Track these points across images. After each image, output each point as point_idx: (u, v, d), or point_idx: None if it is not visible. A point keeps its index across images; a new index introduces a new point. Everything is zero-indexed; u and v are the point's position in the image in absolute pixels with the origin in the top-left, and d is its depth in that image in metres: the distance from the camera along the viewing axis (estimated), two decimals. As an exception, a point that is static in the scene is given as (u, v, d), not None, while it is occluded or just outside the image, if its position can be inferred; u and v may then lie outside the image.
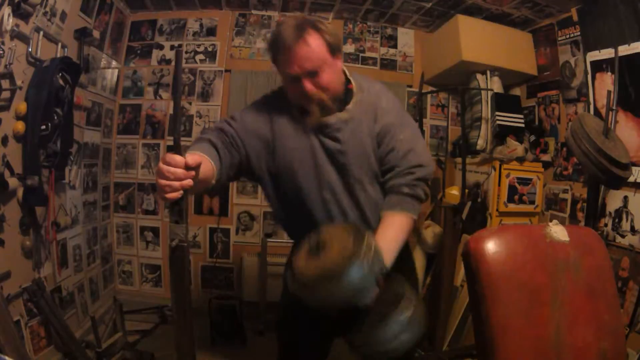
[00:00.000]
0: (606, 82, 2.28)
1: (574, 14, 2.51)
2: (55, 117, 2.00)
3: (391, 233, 1.19)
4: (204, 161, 0.99)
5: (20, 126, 1.87)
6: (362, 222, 1.27)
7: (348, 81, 1.29)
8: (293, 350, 1.43)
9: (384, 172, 1.28)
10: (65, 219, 2.35)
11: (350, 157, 1.25)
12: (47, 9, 2.05)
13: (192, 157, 0.89)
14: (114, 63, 3.02)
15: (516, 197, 2.74)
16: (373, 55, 3.35)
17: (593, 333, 1.06)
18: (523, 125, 2.86)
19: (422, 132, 3.19)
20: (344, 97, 1.27)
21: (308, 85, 1.16)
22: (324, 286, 0.98)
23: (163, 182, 0.87)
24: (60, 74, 2.03)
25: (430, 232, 2.93)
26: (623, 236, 2.13)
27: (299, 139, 1.25)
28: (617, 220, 2.17)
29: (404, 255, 1.27)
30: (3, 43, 1.76)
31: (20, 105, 1.87)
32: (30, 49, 1.94)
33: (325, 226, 1.17)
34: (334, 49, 1.19)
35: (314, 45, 1.14)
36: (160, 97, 3.17)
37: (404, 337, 1.04)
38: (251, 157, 1.25)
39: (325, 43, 1.16)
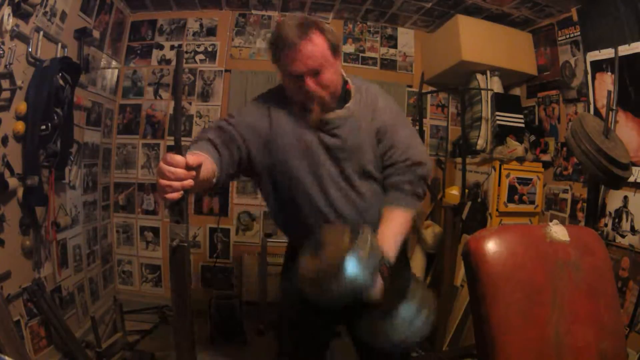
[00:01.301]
0: (606, 82, 2.28)
1: (574, 14, 2.51)
2: (55, 117, 2.00)
3: (393, 228, 1.22)
4: (204, 161, 1.00)
5: (20, 126, 1.87)
6: (356, 213, 1.28)
7: (346, 82, 1.31)
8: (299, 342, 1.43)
9: (384, 167, 1.31)
10: (65, 219, 2.35)
11: (348, 152, 1.26)
12: (47, 9, 2.05)
13: (192, 157, 0.89)
14: (114, 63, 3.02)
15: (516, 197, 2.74)
16: (373, 55, 3.36)
17: (593, 333, 1.06)
18: (523, 125, 2.86)
19: (422, 132, 3.19)
20: (343, 96, 1.28)
21: (311, 84, 1.17)
22: (325, 283, 1.00)
23: (164, 182, 0.87)
24: (60, 74, 2.03)
25: (430, 232, 2.94)
26: (623, 236, 2.13)
27: (297, 135, 1.26)
28: (617, 220, 2.17)
29: (401, 251, 1.29)
30: (3, 43, 1.76)
31: (20, 105, 1.87)
32: (30, 49, 1.94)
33: (325, 227, 1.19)
34: (335, 49, 1.20)
35: (319, 44, 1.16)
36: (160, 97, 3.17)
37: (416, 324, 1.09)
38: (251, 152, 1.25)
39: (328, 43, 1.18)
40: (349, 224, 1.18)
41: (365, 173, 1.29)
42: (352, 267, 0.99)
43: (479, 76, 2.92)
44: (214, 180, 1.11)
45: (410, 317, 1.09)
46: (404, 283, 1.14)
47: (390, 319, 1.08)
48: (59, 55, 2.15)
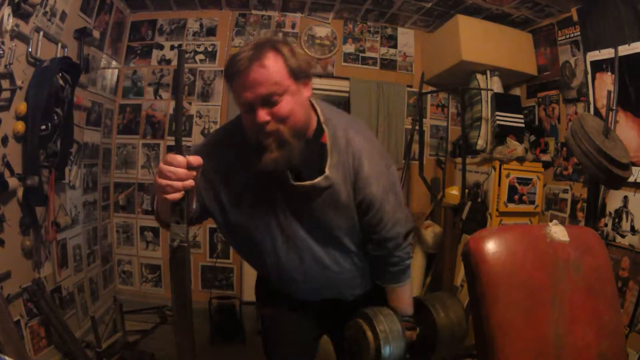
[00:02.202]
0: (606, 82, 2.28)
1: (574, 14, 2.52)
2: (55, 117, 2.00)
3: (403, 302, 1.27)
4: None
5: (20, 126, 1.87)
6: (320, 268, 1.20)
7: (320, 128, 1.12)
8: (280, 349, 1.40)
9: (372, 240, 1.20)
10: (65, 219, 2.35)
11: (320, 224, 1.14)
12: (47, 9, 2.05)
13: (194, 157, 0.89)
14: (114, 63, 3.02)
15: (516, 197, 2.74)
16: (373, 55, 3.36)
17: (593, 333, 1.06)
18: (523, 125, 2.86)
19: (422, 132, 3.19)
20: (313, 136, 1.11)
21: (261, 114, 0.98)
22: None
23: (164, 182, 0.87)
24: (60, 74, 2.03)
25: (430, 232, 2.94)
26: (623, 236, 2.13)
27: (260, 194, 1.12)
28: (617, 220, 2.17)
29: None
30: (3, 43, 1.75)
31: (20, 105, 1.87)
32: (30, 49, 1.94)
33: (348, 325, 1.24)
34: (297, 74, 1.02)
35: (270, 67, 0.97)
36: (160, 97, 3.17)
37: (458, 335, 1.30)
38: (207, 205, 1.15)
39: (286, 65, 1.00)
40: (362, 314, 1.21)
41: (338, 244, 1.19)
42: (388, 353, 1.14)
43: (479, 76, 2.92)
44: (192, 213, 1.06)
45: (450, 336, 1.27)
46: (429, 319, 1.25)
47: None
48: (59, 55, 2.15)
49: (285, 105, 1.00)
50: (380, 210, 1.14)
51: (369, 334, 1.16)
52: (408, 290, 1.29)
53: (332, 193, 1.10)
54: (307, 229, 1.15)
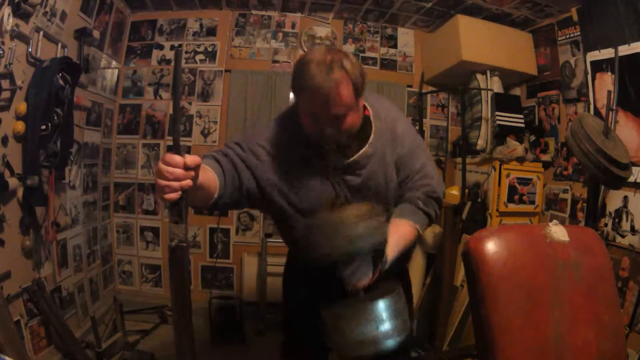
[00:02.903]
0: (606, 82, 2.28)
1: (574, 14, 2.51)
2: (55, 117, 2.00)
3: (396, 238, 1.20)
4: (205, 171, 0.98)
5: (20, 126, 1.87)
6: None
7: (364, 107, 1.23)
8: (299, 342, 1.43)
9: (404, 192, 1.31)
10: (65, 219, 2.36)
11: (371, 191, 1.25)
12: (47, 9, 2.05)
13: (191, 158, 0.89)
14: (114, 63, 3.02)
15: (516, 197, 2.74)
16: (373, 55, 3.35)
17: (593, 333, 1.06)
18: (523, 125, 2.86)
19: (422, 132, 3.19)
20: (363, 124, 1.22)
21: (329, 130, 1.10)
22: (334, 230, 1.05)
23: (162, 182, 0.87)
24: (60, 74, 2.03)
25: (430, 232, 2.93)
26: (623, 236, 2.13)
27: (316, 182, 1.21)
28: (617, 220, 2.17)
29: (404, 270, 1.35)
30: (3, 43, 1.76)
31: (20, 105, 1.87)
32: (30, 49, 1.94)
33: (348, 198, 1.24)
34: (359, 91, 1.12)
35: (344, 92, 1.07)
36: (160, 97, 3.17)
37: (383, 328, 1.08)
38: (265, 192, 1.21)
39: (353, 87, 1.09)
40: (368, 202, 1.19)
41: (383, 207, 1.23)
42: (362, 228, 1.04)
43: (479, 76, 2.92)
44: (216, 194, 1.09)
45: (379, 318, 1.08)
46: (388, 289, 1.13)
47: (358, 311, 1.08)
48: (59, 55, 2.15)
49: (350, 120, 1.12)
50: (411, 164, 1.28)
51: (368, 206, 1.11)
52: (403, 236, 1.23)
53: (377, 159, 1.23)
54: (363, 196, 1.22)
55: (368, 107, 1.24)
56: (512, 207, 2.73)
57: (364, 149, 1.21)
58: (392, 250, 1.16)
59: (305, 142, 1.18)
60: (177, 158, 0.87)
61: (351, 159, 1.20)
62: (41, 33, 2.01)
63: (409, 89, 3.37)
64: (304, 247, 1.12)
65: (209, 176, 1.05)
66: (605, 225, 2.22)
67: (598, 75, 2.34)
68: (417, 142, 1.34)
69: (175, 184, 0.87)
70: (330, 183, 1.22)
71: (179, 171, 0.87)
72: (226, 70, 3.18)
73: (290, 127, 1.22)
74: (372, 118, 1.24)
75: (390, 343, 1.07)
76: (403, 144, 1.27)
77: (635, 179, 2.03)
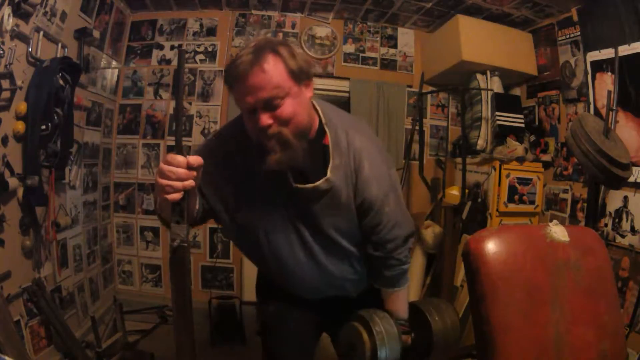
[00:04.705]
0: (606, 82, 2.28)
1: (574, 14, 2.52)
2: (55, 117, 2.00)
3: (399, 305, 1.27)
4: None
5: (20, 126, 1.87)
6: (319, 268, 1.21)
7: (323, 129, 1.12)
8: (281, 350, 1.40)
9: (368, 239, 1.21)
10: (65, 219, 2.35)
11: (319, 223, 1.15)
12: (47, 9, 2.04)
13: (194, 158, 0.89)
14: (114, 63, 3.02)
15: (516, 197, 2.74)
16: (373, 55, 3.35)
17: (593, 333, 1.06)
18: (523, 125, 2.86)
19: (422, 132, 3.19)
20: (315, 137, 1.11)
21: (264, 119, 0.98)
22: None
23: (164, 182, 0.87)
24: (60, 74, 2.03)
25: (430, 232, 2.93)
26: (623, 236, 2.13)
27: (263, 195, 1.13)
28: (617, 220, 2.17)
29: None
30: (3, 43, 1.75)
31: (20, 105, 1.87)
32: (30, 49, 1.94)
33: (344, 328, 1.23)
34: (298, 76, 1.01)
35: (271, 70, 0.97)
36: (160, 97, 3.17)
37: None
38: (213, 206, 1.16)
39: (286, 67, 0.99)
40: (358, 316, 1.21)
41: (337, 246, 1.19)
42: (384, 354, 1.13)
43: (479, 76, 2.92)
44: (195, 214, 1.06)
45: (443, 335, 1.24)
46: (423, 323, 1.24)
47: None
48: (59, 55, 2.15)
49: (287, 108, 0.99)
50: (379, 212, 1.14)
51: (365, 335, 1.15)
52: (404, 296, 1.28)
53: (332, 195, 1.11)
54: (308, 229, 1.16)
55: (327, 133, 1.11)
56: (512, 207, 2.73)
57: (318, 182, 1.08)
58: (403, 311, 1.26)
59: (251, 154, 1.08)
60: (179, 158, 0.87)
61: (301, 185, 1.09)
62: (41, 33, 2.00)
63: (409, 89, 3.37)
64: None
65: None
66: (605, 225, 2.22)
67: (598, 75, 2.34)
68: (385, 186, 1.15)
69: (177, 183, 0.87)
70: (279, 205, 1.13)
71: (182, 171, 0.87)
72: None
73: (236, 139, 1.13)
74: (330, 149, 1.10)
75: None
76: (369, 190, 1.12)
77: (635, 179, 2.03)
